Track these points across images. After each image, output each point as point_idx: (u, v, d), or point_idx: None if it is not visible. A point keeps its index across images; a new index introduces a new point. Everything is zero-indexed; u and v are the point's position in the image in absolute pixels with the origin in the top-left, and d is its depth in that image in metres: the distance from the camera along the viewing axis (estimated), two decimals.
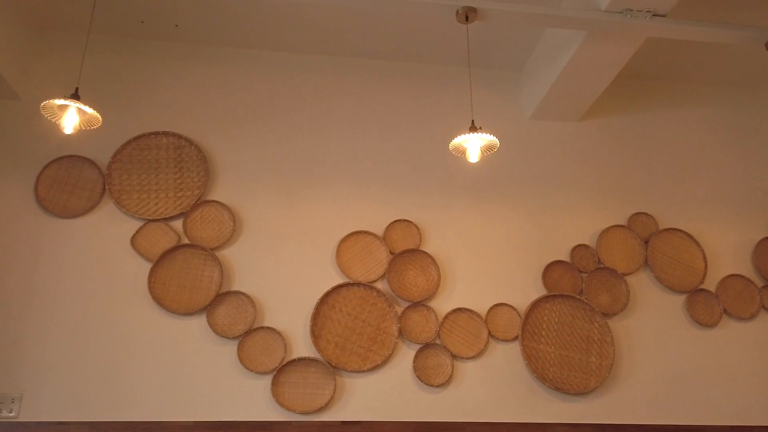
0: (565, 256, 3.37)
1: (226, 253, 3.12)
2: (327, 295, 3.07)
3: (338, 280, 3.14)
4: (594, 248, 3.39)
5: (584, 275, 3.33)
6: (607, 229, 3.44)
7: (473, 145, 2.68)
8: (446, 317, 3.12)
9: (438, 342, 3.08)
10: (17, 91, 3.18)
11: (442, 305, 3.16)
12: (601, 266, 3.34)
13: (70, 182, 3.11)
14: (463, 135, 2.64)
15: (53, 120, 2.47)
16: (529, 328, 3.16)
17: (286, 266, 3.14)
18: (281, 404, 2.85)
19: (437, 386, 3.00)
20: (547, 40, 3.38)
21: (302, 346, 2.99)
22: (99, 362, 2.83)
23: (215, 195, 3.23)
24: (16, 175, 3.09)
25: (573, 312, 3.23)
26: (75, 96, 2.38)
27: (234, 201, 3.23)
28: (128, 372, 2.83)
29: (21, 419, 2.69)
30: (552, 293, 3.24)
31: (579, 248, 3.38)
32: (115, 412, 2.76)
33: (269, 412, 2.84)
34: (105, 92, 3.35)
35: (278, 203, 3.26)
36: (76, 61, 3.38)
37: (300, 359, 2.95)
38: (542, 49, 3.46)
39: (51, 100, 2.36)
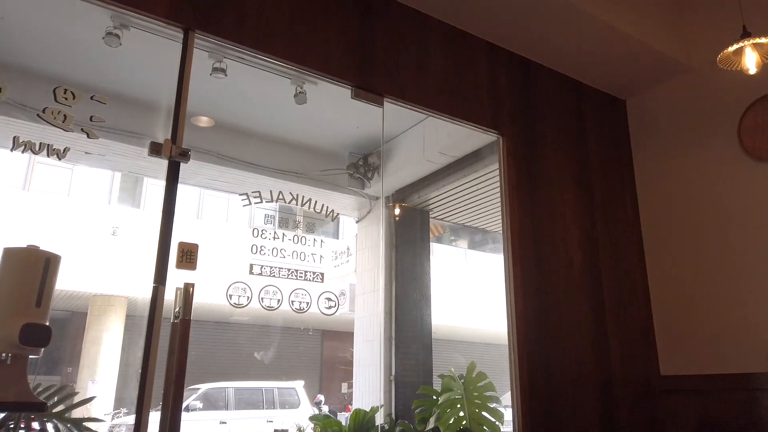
0: None
1: None
2: None
3: None
4: None
5: None
6: None
7: None
8: None
9: None
10: (686, 63, 3.32)
11: None
12: None
13: None
14: None
15: (731, 68, 2.42)
16: None
17: None
18: None
19: None
20: None
21: None
22: None
23: None
24: (717, 140, 3.17)
25: None
26: (746, 35, 2.26)
27: None
28: None
29: None
30: None
31: None
32: None
33: None
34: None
35: None
36: (718, 6, 3.24)
37: None
38: None
39: (725, 50, 2.33)
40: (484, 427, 3.03)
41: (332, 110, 4.02)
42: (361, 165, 4.60)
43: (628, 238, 3.41)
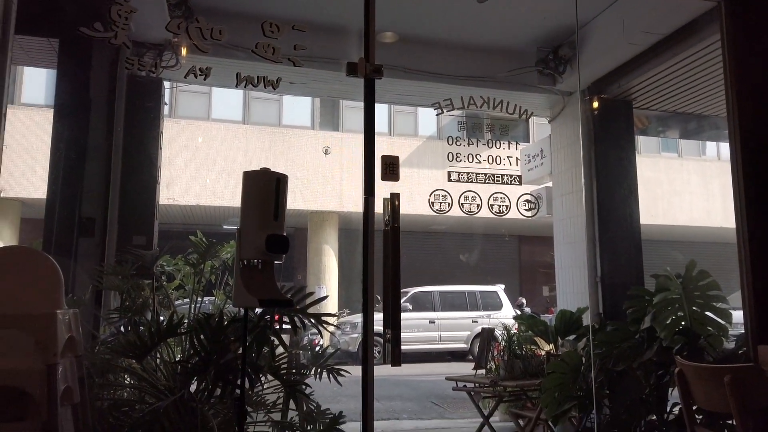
0: None
1: None
2: None
3: None
4: None
5: None
6: None
7: None
8: None
9: None
10: None
11: None
12: None
13: None
14: None
15: None
16: None
17: None
18: None
19: None
20: None
21: None
22: None
23: None
24: None
25: None
26: None
27: None
28: None
29: None
30: None
31: None
32: None
33: None
34: None
35: None
36: None
37: None
38: None
39: None
40: (709, 328, 2.80)
41: (516, 2, 3.77)
42: (551, 59, 4.30)
43: None
